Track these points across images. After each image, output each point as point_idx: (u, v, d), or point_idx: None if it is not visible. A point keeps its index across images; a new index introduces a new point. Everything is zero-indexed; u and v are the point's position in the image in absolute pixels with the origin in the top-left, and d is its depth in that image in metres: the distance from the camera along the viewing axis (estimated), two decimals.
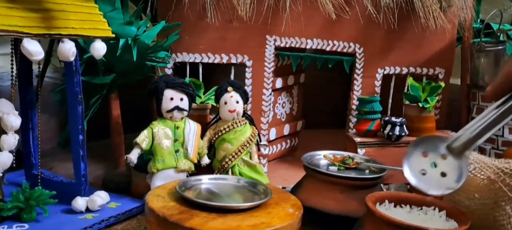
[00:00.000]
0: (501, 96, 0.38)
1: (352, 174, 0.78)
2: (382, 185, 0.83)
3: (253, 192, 0.71)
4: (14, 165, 0.70)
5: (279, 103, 1.11)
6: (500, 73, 0.38)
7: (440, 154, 0.45)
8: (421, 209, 0.67)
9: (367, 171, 0.80)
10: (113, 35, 0.74)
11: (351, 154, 0.86)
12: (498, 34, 1.15)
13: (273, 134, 1.07)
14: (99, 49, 0.72)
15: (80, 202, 0.74)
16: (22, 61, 0.79)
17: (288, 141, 1.16)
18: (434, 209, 0.67)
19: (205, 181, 0.73)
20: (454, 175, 0.46)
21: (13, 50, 0.75)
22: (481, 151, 1.08)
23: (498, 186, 0.68)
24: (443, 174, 0.46)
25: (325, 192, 0.76)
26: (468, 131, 0.41)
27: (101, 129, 0.98)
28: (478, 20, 1.22)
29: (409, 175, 0.46)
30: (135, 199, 0.82)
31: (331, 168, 0.81)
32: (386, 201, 0.66)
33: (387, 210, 0.65)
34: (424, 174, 0.46)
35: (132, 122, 0.98)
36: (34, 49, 0.63)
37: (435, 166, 0.47)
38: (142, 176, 0.83)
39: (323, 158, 0.84)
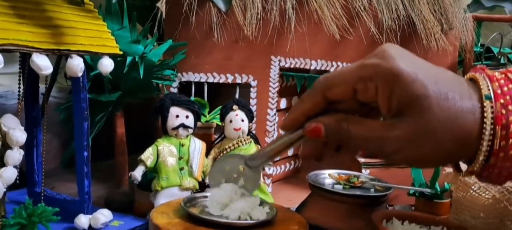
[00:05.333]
0: (288, 130, 0.46)
1: (358, 192, 0.77)
2: (387, 205, 0.82)
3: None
4: (18, 181, 0.70)
5: None
6: (290, 113, 0.45)
7: (239, 168, 0.57)
8: (429, 228, 0.66)
9: (372, 190, 0.80)
10: (121, 53, 0.75)
11: (356, 173, 0.86)
12: (499, 57, 1.16)
13: None
14: (106, 66, 0.72)
15: (83, 220, 0.73)
16: (29, 78, 0.79)
17: (292, 162, 1.16)
18: (443, 228, 0.66)
19: (210, 198, 0.73)
20: (251, 182, 0.59)
21: (21, 66, 0.75)
22: None
23: (503, 205, 0.68)
24: (242, 185, 0.60)
25: (331, 211, 0.75)
26: (263, 153, 0.52)
27: (104, 150, 0.98)
28: (479, 44, 1.24)
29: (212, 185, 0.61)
30: (138, 217, 0.81)
31: (337, 186, 0.80)
32: (394, 218, 0.66)
33: (395, 228, 0.64)
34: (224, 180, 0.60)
35: (135, 143, 0.98)
36: (43, 63, 0.63)
37: (235, 177, 0.60)
38: (145, 194, 0.83)
39: (328, 176, 0.84)
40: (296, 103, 0.47)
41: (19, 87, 0.75)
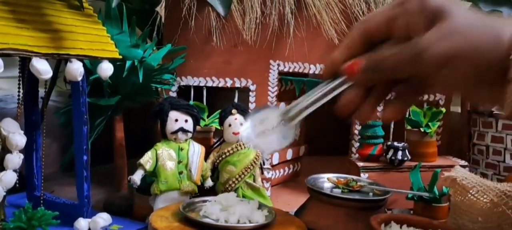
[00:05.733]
0: (328, 77, 0.44)
1: (357, 196, 0.77)
2: (386, 209, 0.82)
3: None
4: (18, 185, 0.70)
5: None
6: (329, 59, 0.44)
7: (274, 121, 0.51)
8: None
9: (371, 194, 0.80)
10: (121, 57, 0.75)
11: (354, 177, 0.86)
12: None
13: (276, 159, 1.07)
14: (106, 70, 0.72)
15: (82, 223, 0.73)
16: (29, 82, 0.79)
17: (291, 166, 1.16)
18: None
19: (209, 202, 0.73)
20: (285, 137, 0.52)
21: (20, 71, 0.76)
22: (483, 176, 1.08)
23: (501, 209, 0.68)
24: (276, 136, 0.52)
25: (329, 214, 0.75)
26: (298, 104, 0.46)
27: (103, 154, 0.98)
28: None
29: (250, 136, 0.52)
30: (137, 221, 0.81)
31: (335, 190, 0.81)
32: (392, 222, 0.66)
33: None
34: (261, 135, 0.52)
35: (134, 148, 0.98)
36: (43, 68, 0.63)
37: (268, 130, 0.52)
38: (144, 198, 0.83)
39: (326, 180, 0.84)
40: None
41: (19, 92, 0.75)
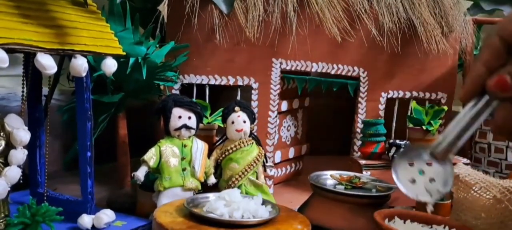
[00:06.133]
0: (471, 98, 0.40)
1: (360, 193, 0.77)
2: (389, 206, 0.82)
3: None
4: (21, 181, 0.70)
5: (284, 127, 1.11)
6: (468, 76, 0.40)
7: (425, 161, 0.46)
8: (431, 227, 0.66)
9: (374, 190, 0.80)
10: (124, 53, 0.75)
11: (357, 174, 0.86)
12: None
13: (278, 157, 1.08)
14: (110, 66, 0.72)
15: (86, 220, 0.73)
16: (32, 79, 0.79)
17: (293, 165, 1.16)
18: (444, 227, 0.66)
19: (213, 198, 0.73)
20: (441, 180, 0.47)
21: (24, 67, 0.76)
22: (485, 174, 1.08)
23: (504, 205, 0.68)
24: (431, 180, 0.48)
25: (333, 210, 0.75)
26: (447, 136, 0.42)
27: (106, 153, 0.98)
28: (479, 47, 1.24)
29: (399, 184, 0.48)
30: (141, 218, 0.81)
31: (338, 187, 0.81)
32: (396, 217, 0.66)
33: (397, 227, 0.64)
34: (413, 182, 0.48)
35: (136, 147, 0.98)
36: (47, 63, 0.63)
37: (423, 173, 0.48)
38: (148, 195, 0.83)
39: (329, 177, 0.84)
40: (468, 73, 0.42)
41: (23, 89, 0.75)
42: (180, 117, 0.81)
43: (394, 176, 0.51)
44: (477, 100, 0.39)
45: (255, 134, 0.94)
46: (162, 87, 0.94)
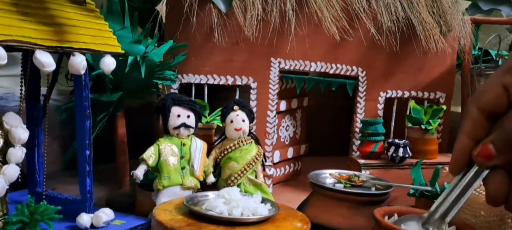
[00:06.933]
0: (460, 170, 0.41)
1: (359, 191, 0.77)
2: (388, 205, 0.82)
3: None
4: (20, 179, 0.70)
5: (283, 126, 1.11)
6: (454, 149, 0.41)
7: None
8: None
9: (373, 188, 0.80)
10: (123, 52, 0.75)
11: (357, 173, 0.86)
12: (497, 59, 1.17)
13: (277, 157, 1.07)
14: (109, 64, 0.72)
15: (85, 218, 0.73)
16: (31, 78, 0.79)
17: (292, 165, 1.16)
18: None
19: (212, 196, 0.73)
20: None
21: (22, 67, 0.76)
22: None
23: None
24: None
25: (332, 209, 0.75)
26: (440, 207, 0.43)
27: (105, 153, 0.98)
28: (476, 48, 1.25)
29: None
30: (140, 217, 0.81)
31: (337, 185, 0.81)
32: (396, 214, 0.66)
33: (397, 224, 0.64)
34: None
35: (134, 147, 0.98)
36: (46, 60, 0.63)
37: None
38: (147, 194, 0.82)
39: (329, 176, 0.84)
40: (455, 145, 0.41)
41: (21, 88, 0.75)
42: (179, 116, 0.81)
43: None
44: (466, 171, 0.39)
45: (254, 133, 0.94)
46: (160, 86, 0.94)
